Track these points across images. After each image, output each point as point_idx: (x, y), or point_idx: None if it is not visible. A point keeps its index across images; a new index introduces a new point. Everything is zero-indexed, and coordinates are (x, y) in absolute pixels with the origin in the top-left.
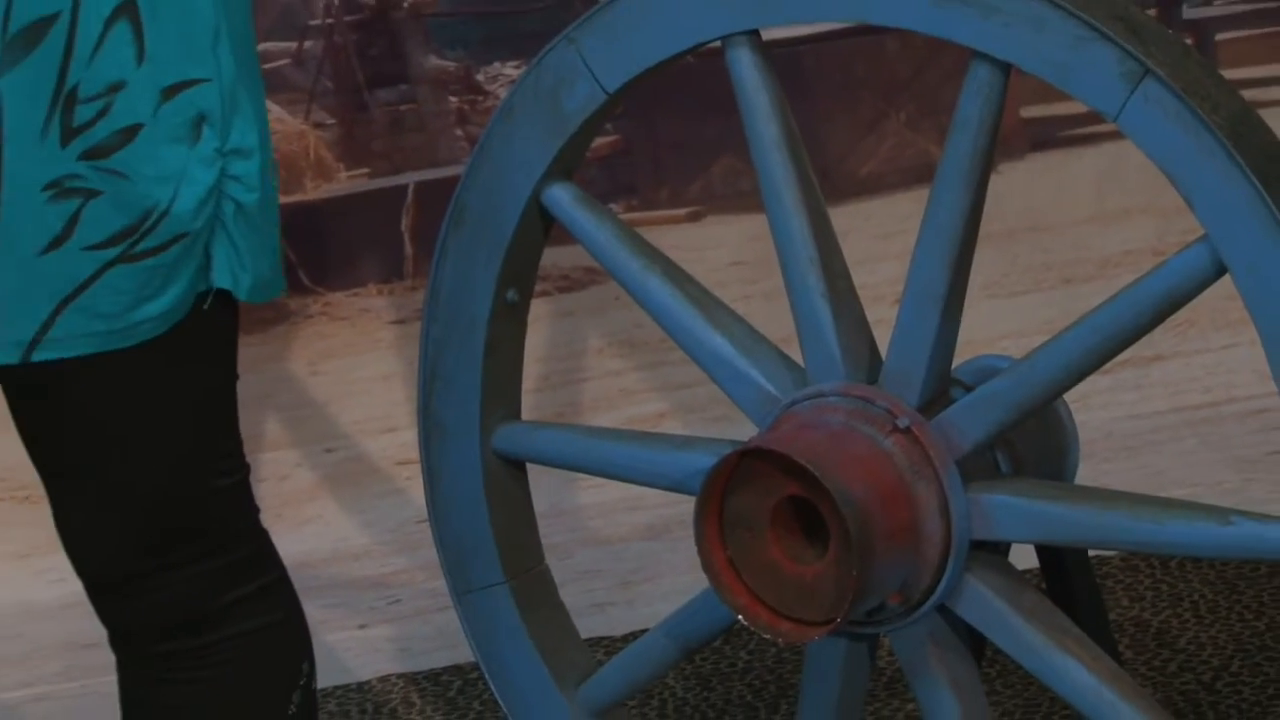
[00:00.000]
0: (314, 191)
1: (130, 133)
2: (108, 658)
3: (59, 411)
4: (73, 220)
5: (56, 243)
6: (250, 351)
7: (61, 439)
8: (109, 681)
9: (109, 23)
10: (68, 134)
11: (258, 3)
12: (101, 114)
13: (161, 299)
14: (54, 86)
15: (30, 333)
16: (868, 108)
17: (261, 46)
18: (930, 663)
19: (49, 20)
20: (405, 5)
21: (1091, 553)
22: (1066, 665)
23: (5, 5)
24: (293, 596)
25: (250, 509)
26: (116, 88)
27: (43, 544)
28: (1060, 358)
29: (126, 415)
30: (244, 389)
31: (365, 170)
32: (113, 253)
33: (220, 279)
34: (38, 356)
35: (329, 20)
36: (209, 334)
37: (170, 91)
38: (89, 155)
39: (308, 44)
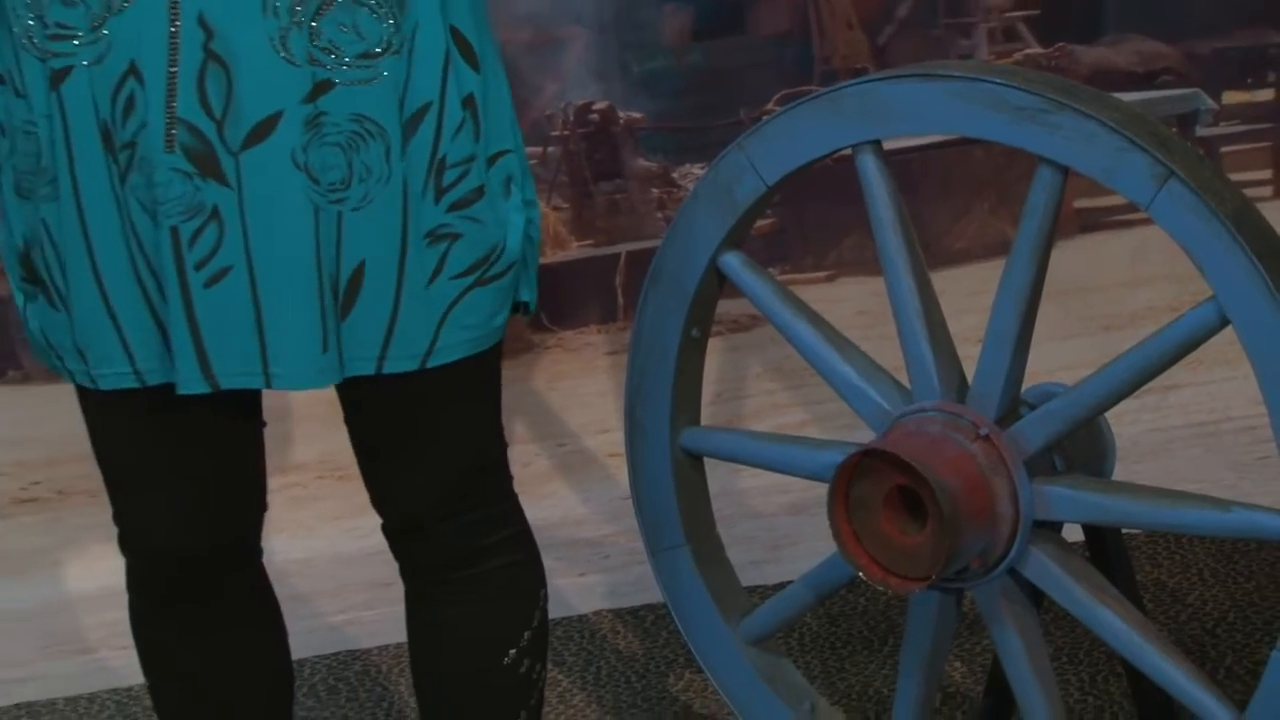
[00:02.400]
0: (552, 257)
1: (479, 191)
2: (399, 591)
3: (408, 407)
4: (443, 258)
5: (435, 275)
6: (505, 373)
7: (402, 427)
8: (399, 610)
9: (463, 109)
10: (439, 193)
11: (519, 110)
12: (461, 177)
13: (504, 311)
14: (429, 156)
15: (425, 346)
16: (959, 199)
17: None
18: (1002, 611)
19: (426, 108)
20: (621, 122)
21: (1124, 531)
22: (1105, 615)
23: (402, 93)
24: (534, 543)
25: (508, 475)
26: (470, 159)
27: (352, 510)
28: (1102, 386)
29: (462, 403)
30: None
31: (590, 241)
32: (471, 279)
33: (525, 295)
34: (432, 363)
35: (566, 132)
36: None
37: (493, 159)
38: (454, 208)
39: (550, 149)
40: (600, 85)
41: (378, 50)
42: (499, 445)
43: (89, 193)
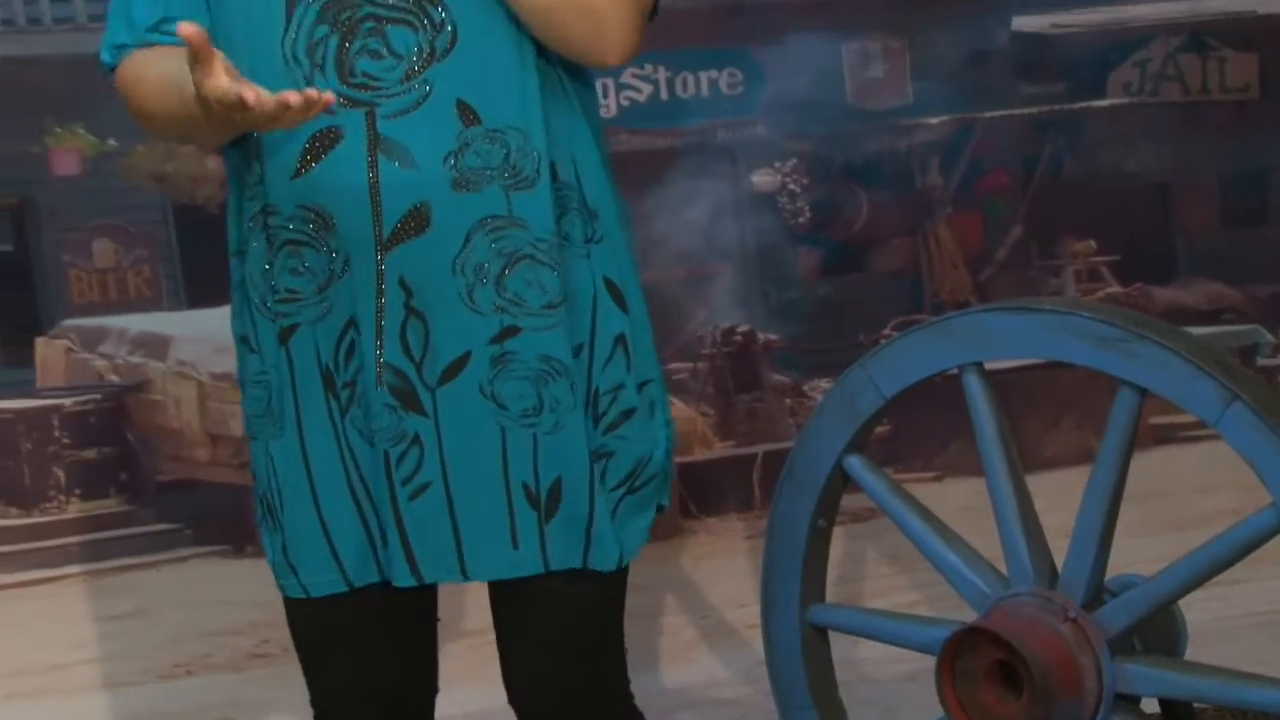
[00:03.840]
0: (699, 455)
1: (629, 413)
2: None
3: (556, 604)
4: (603, 474)
5: (603, 489)
6: (656, 551)
7: (544, 621)
8: None
9: (614, 346)
10: (596, 419)
11: (671, 335)
12: (611, 403)
13: (649, 515)
14: (586, 386)
15: (615, 544)
16: (1050, 413)
17: (671, 365)
18: None
19: (581, 346)
20: (760, 343)
21: (1195, 705)
22: None
23: (569, 332)
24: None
25: (628, 679)
26: (620, 386)
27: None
28: (1176, 578)
29: (600, 603)
30: (651, 575)
31: (732, 442)
32: (623, 490)
33: (664, 500)
34: (625, 561)
35: (713, 350)
36: None
37: (642, 386)
38: (608, 430)
39: (700, 364)
40: (743, 312)
41: (557, 302)
42: (623, 649)
43: (311, 427)
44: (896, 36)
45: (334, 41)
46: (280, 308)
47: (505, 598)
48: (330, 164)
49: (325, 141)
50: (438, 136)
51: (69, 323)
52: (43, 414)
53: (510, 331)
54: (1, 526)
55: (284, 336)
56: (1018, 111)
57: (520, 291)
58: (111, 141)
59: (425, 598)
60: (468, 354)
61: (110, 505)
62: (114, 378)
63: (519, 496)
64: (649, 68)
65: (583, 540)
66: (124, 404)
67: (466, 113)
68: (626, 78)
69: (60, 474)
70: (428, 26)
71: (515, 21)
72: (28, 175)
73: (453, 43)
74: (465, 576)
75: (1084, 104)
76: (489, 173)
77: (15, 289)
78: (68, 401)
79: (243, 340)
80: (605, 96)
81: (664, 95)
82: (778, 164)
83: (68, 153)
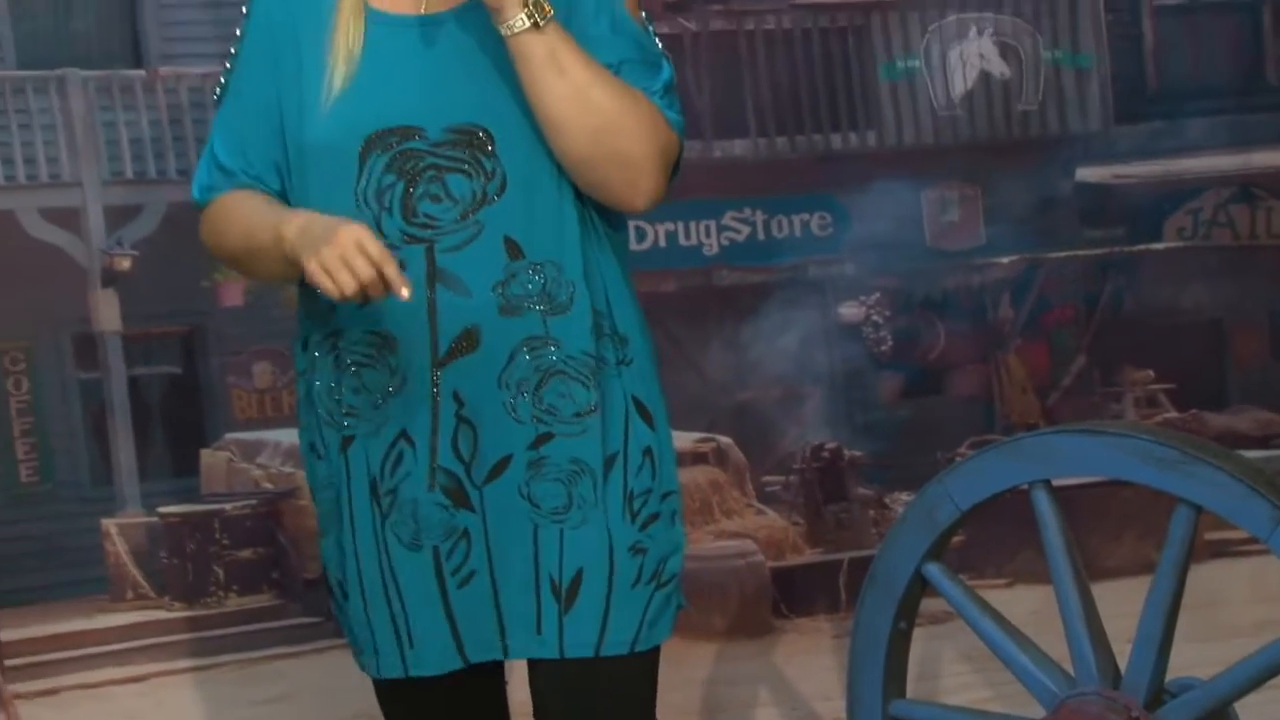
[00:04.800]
0: (790, 560)
1: (655, 517)
2: None
3: (590, 692)
4: (641, 566)
5: (636, 580)
6: (750, 648)
7: (580, 708)
8: None
9: (643, 457)
10: (633, 516)
11: (765, 450)
12: (644, 505)
13: (672, 609)
14: (623, 489)
15: (631, 634)
16: (1113, 526)
17: (766, 477)
18: None
19: (616, 455)
20: (846, 459)
21: None
22: None
23: (602, 442)
24: None
25: None
26: (648, 491)
27: None
28: (1231, 681)
29: (632, 693)
30: (744, 670)
31: (820, 549)
32: (655, 584)
33: (681, 599)
34: (638, 648)
35: (803, 465)
36: None
37: (664, 496)
38: (644, 527)
39: (791, 478)
40: (831, 430)
41: (585, 411)
42: None
43: (360, 528)
44: (971, 185)
45: (400, 187)
46: (343, 420)
47: (536, 675)
48: (407, 298)
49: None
50: (488, 268)
51: (231, 436)
52: (206, 518)
53: (545, 438)
54: (166, 619)
55: (344, 446)
56: (1081, 253)
57: (554, 402)
58: None
59: (493, 678)
60: (509, 457)
61: (262, 600)
62: (268, 485)
63: (545, 588)
64: (748, 211)
65: (598, 629)
66: (277, 509)
67: (513, 248)
68: (727, 220)
69: (220, 571)
70: (481, 175)
71: (558, 170)
72: (198, 307)
73: (502, 189)
74: (506, 655)
75: (1142, 247)
76: (530, 300)
77: (184, 406)
78: (228, 507)
79: (310, 448)
80: (708, 236)
81: (761, 236)
82: (863, 297)
83: (233, 287)
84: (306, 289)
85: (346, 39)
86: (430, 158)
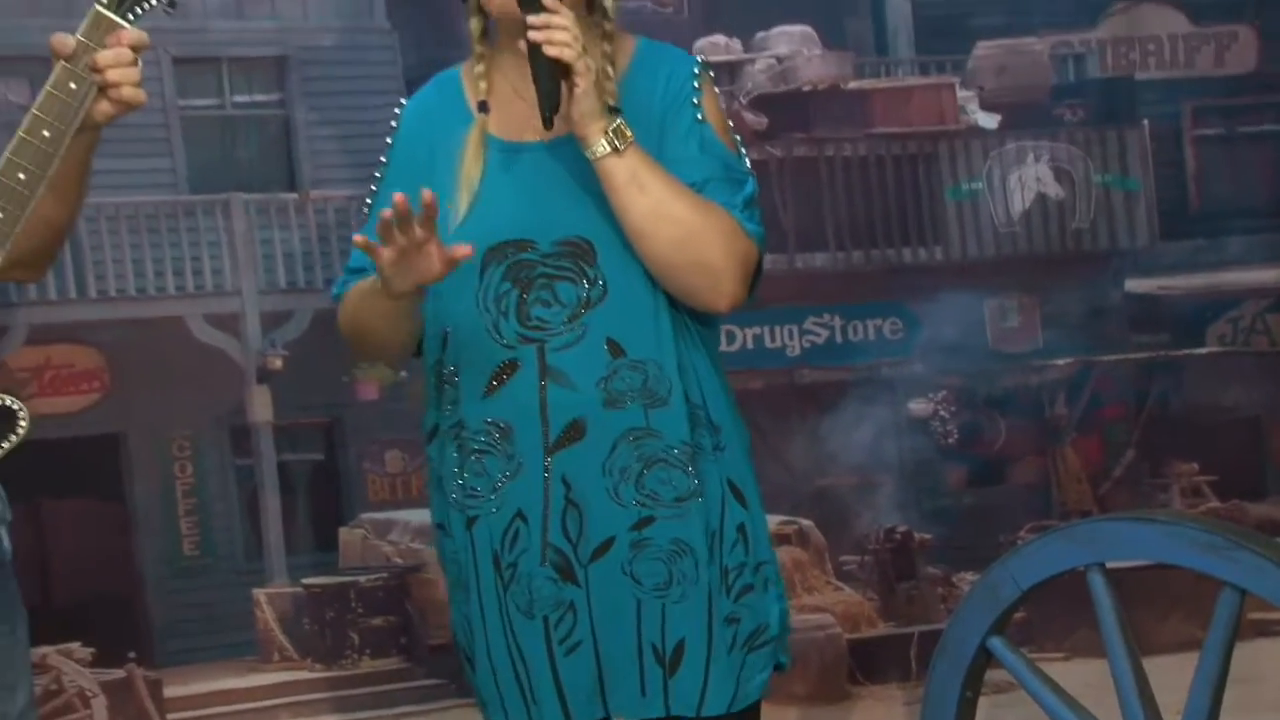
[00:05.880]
0: (865, 633)
1: (749, 588)
2: None
3: None
4: (735, 634)
5: (731, 646)
6: (828, 713)
7: None
8: None
9: (736, 534)
10: (728, 589)
11: (842, 532)
12: (737, 578)
13: (768, 671)
14: (719, 564)
15: (728, 695)
16: (1163, 607)
17: (843, 557)
18: None
19: (715, 533)
20: (916, 541)
21: None
22: None
23: (704, 523)
24: None
25: None
26: (742, 566)
27: None
28: None
29: None
30: None
31: (892, 623)
32: (745, 649)
33: (782, 659)
34: (735, 708)
35: (876, 546)
36: None
37: (758, 567)
38: (738, 598)
39: (866, 557)
40: (901, 515)
41: (685, 496)
42: None
43: (486, 597)
44: (1029, 294)
45: (515, 294)
46: (467, 502)
47: None
48: (511, 387)
49: (508, 370)
50: (592, 366)
51: (365, 516)
52: (343, 589)
53: (647, 521)
54: (308, 679)
55: (469, 525)
56: (1130, 356)
57: (655, 489)
58: (403, 374)
59: None
60: (613, 539)
61: (392, 663)
62: (398, 560)
63: (649, 656)
64: (827, 317)
65: (699, 691)
66: (406, 581)
67: (614, 348)
68: (808, 324)
69: (354, 637)
70: (585, 282)
71: (652, 277)
72: (338, 400)
73: (603, 295)
74: (607, 715)
75: (1186, 351)
76: (631, 394)
77: (326, 489)
78: (363, 579)
79: (439, 526)
80: (791, 339)
81: (839, 339)
82: (931, 395)
83: (369, 382)
84: (434, 386)
85: (470, 169)
86: (541, 267)
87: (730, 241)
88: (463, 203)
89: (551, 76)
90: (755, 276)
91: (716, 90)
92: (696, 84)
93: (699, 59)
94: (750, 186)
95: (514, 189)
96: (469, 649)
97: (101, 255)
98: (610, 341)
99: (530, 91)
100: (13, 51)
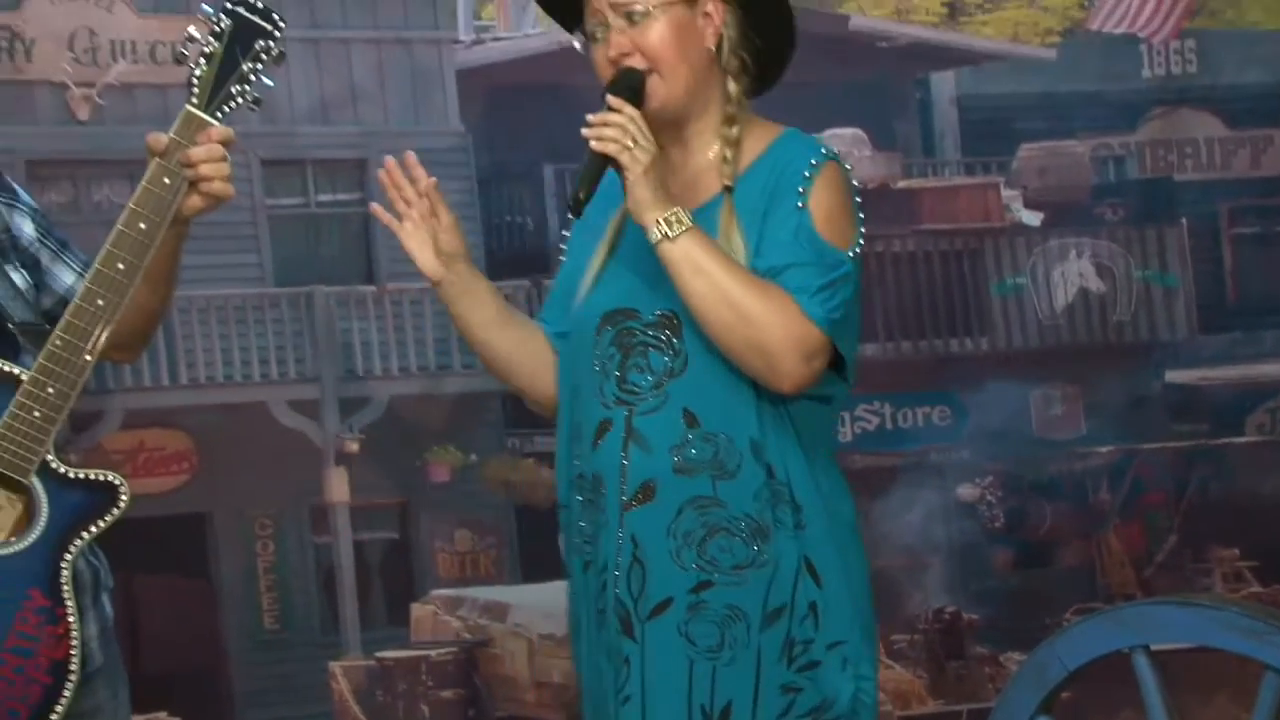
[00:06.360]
0: (915, 710)
1: (815, 664)
2: None
3: None
4: (791, 703)
5: (784, 714)
6: None
7: None
8: None
9: (808, 610)
10: (790, 660)
11: (892, 612)
12: (804, 652)
13: None
14: (784, 637)
15: None
16: (1206, 687)
17: (893, 636)
18: None
19: (782, 608)
20: (964, 621)
21: None
22: None
23: (765, 595)
24: None
25: None
26: (810, 641)
27: None
28: None
29: None
30: None
31: (942, 701)
32: (810, 718)
33: None
34: None
35: (926, 626)
36: None
37: (831, 645)
38: (800, 670)
39: (916, 636)
40: (950, 596)
41: (743, 565)
42: None
43: (586, 639)
44: (1072, 384)
45: (618, 358)
46: (583, 546)
47: None
48: (605, 445)
49: (605, 428)
50: (669, 433)
51: (436, 592)
52: (414, 662)
53: (705, 585)
54: None
55: (584, 568)
56: (1171, 445)
57: (716, 555)
58: (473, 456)
59: None
60: (671, 599)
61: None
62: (467, 635)
63: (697, 715)
64: (878, 404)
65: None
66: (474, 655)
67: (690, 418)
68: (860, 411)
69: (425, 709)
70: (671, 352)
71: None
72: (411, 482)
73: (684, 366)
74: None
75: (1225, 440)
76: (702, 464)
77: (397, 567)
78: (433, 653)
79: (567, 569)
80: (843, 425)
81: (889, 426)
82: (978, 480)
83: (440, 465)
84: (565, 436)
85: (606, 242)
86: (641, 335)
87: (787, 325)
88: (591, 271)
89: (594, 166)
90: (843, 362)
91: (845, 179)
92: (808, 173)
93: (825, 150)
94: (837, 274)
95: (632, 261)
96: (580, 687)
97: (192, 344)
98: (687, 412)
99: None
100: (114, 155)
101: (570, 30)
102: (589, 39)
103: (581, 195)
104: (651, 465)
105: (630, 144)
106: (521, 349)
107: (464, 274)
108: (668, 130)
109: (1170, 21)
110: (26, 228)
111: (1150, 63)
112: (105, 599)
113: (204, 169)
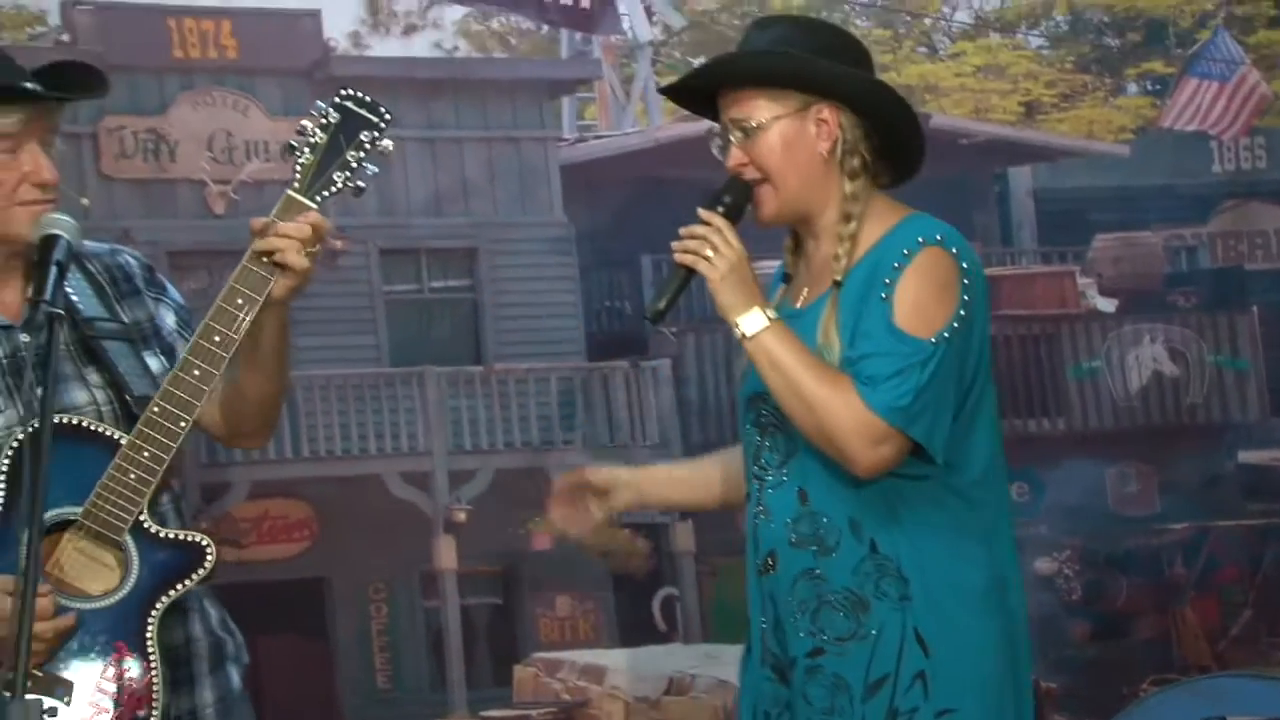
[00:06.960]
0: None
1: None
2: None
3: None
4: None
5: None
6: None
7: None
8: None
9: (913, 680)
10: None
11: None
12: (910, 716)
13: None
14: (888, 705)
15: None
16: None
17: None
18: None
19: (886, 677)
20: (1042, 690)
21: None
22: None
23: (867, 664)
24: None
25: None
26: (915, 710)
27: None
28: None
29: None
30: None
31: None
32: None
33: None
34: None
35: None
36: None
37: (939, 714)
38: None
39: None
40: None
41: (844, 638)
42: None
43: (744, 683)
44: (1147, 463)
45: (756, 438)
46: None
47: None
48: (747, 513)
49: (749, 498)
50: (786, 508)
51: (537, 655)
52: None
53: (818, 651)
54: None
55: (760, 573)
56: (1245, 522)
57: (823, 625)
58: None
59: None
60: (794, 660)
61: None
62: (566, 696)
63: None
64: None
65: None
66: (573, 716)
67: (802, 496)
68: None
69: None
70: (791, 435)
71: None
72: (513, 550)
73: (797, 450)
74: None
75: None
76: (809, 540)
77: (501, 631)
78: (534, 713)
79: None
80: None
81: None
82: (1055, 554)
83: (542, 535)
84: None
85: None
86: (770, 418)
87: (850, 414)
88: (745, 357)
89: (674, 276)
90: (922, 448)
91: (940, 264)
92: (897, 263)
93: (924, 238)
94: (909, 362)
95: None
96: None
97: (314, 420)
98: (800, 490)
99: (800, 264)
100: (192, 247)
101: (706, 116)
102: (722, 149)
103: (661, 305)
104: (773, 536)
105: (709, 253)
106: (721, 488)
107: (637, 494)
108: (803, 225)
109: (1240, 120)
110: (169, 320)
111: (1220, 158)
112: (233, 669)
113: (275, 241)
